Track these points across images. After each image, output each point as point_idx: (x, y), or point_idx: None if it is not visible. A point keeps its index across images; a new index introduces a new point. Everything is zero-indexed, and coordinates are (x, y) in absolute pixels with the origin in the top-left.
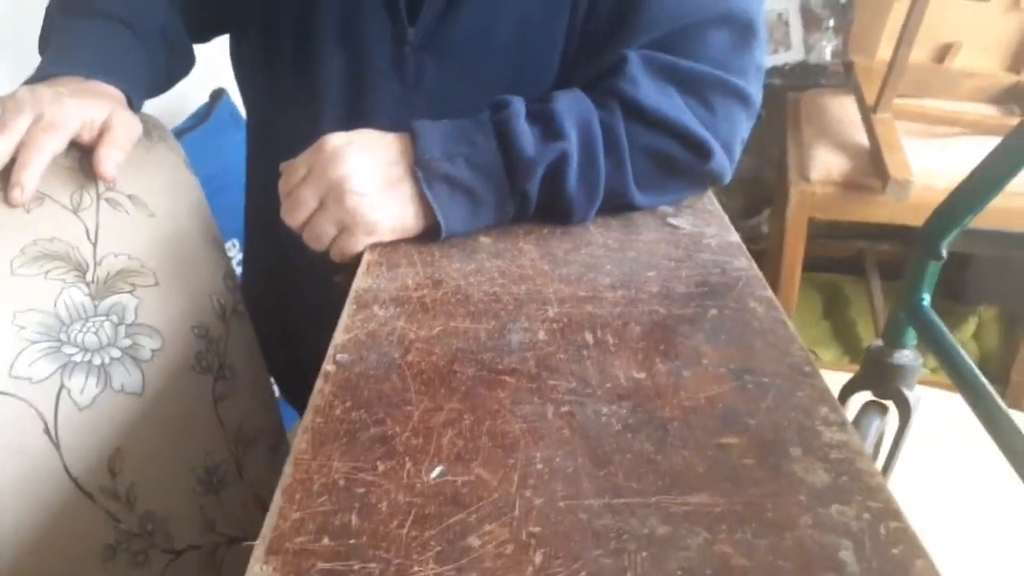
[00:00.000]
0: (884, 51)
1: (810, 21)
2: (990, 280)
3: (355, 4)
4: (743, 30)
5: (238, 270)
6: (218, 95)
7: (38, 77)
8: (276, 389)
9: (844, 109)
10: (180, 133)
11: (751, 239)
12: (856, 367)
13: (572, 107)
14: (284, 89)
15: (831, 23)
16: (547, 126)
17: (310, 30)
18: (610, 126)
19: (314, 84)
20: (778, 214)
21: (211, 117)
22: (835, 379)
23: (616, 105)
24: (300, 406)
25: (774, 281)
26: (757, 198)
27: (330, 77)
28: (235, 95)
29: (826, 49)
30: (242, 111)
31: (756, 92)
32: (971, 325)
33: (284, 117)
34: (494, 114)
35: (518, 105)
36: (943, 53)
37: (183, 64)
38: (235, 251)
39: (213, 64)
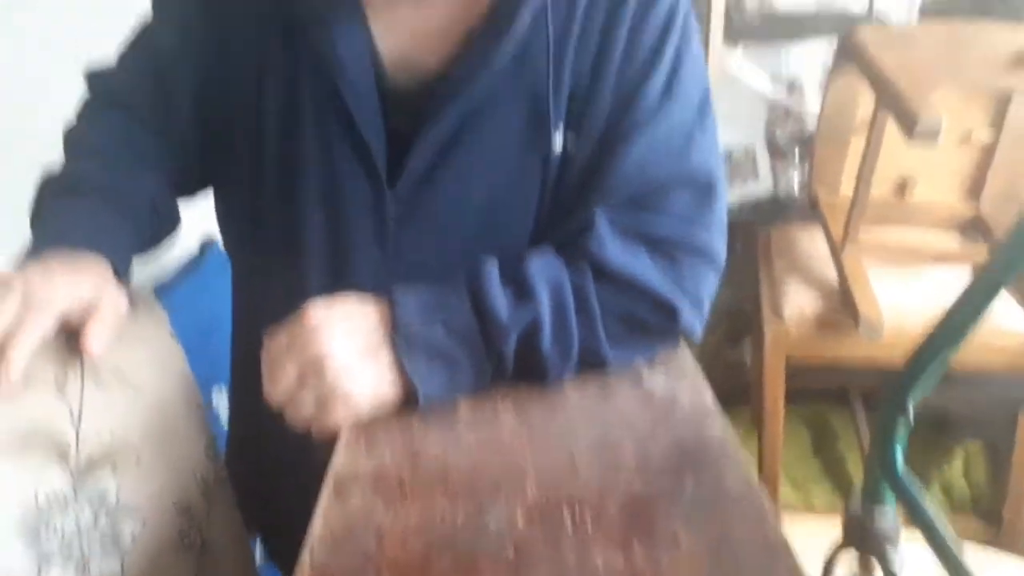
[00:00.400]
0: (846, 186)
1: (776, 153)
2: (973, 412)
3: (336, 169)
4: (705, 188)
5: (224, 415)
6: (207, 246)
7: (28, 257)
8: (260, 549)
9: (813, 243)
10: (170, 286)
11: (734, 368)
12: None
13: (544, 269)
14: (268, 247)
15: (796, 156)
16: (520, 289)
17: (294, 193)
18: (581, 287)
19: (298, 245)
20: (756, 350)
21: (201, 268)
22: (829, 526)
23: (586, 266)
24: (286, 568)
25: (758, 416)
26: (738, 326)
27: (313, 240)
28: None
29: (794, 181)
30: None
31: (720, 249)
32: (959, 460)
33: (269, 272)
34: (469, 279)
35: (492, 269)
36: (903, 187)
37: (169, 224)
38: (223, 396)
39: (197, 210)
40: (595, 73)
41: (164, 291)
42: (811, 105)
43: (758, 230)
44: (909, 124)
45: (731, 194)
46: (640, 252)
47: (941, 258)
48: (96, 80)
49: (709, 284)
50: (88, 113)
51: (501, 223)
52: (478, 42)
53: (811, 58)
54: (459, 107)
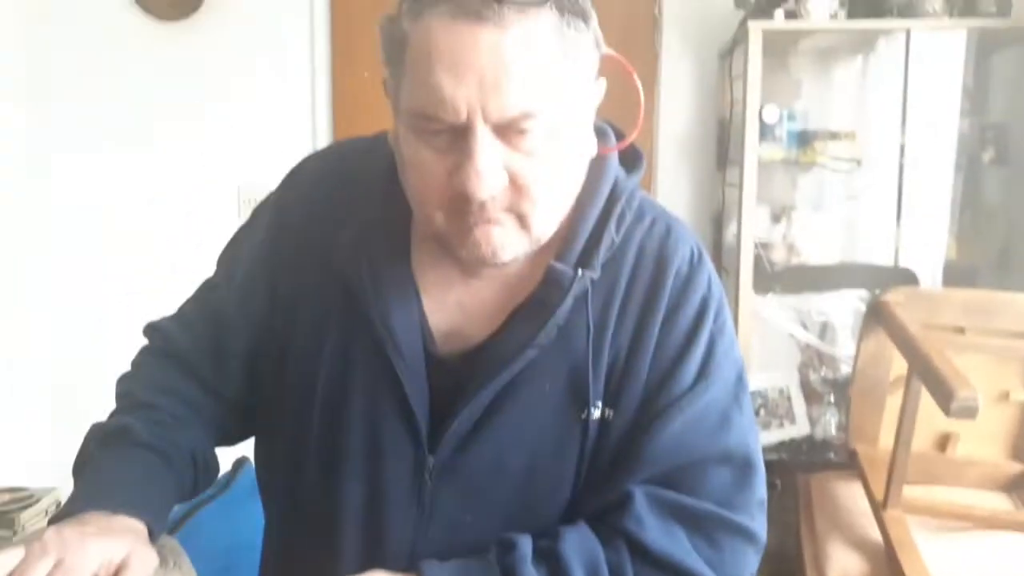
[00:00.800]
0: (885, 438)
1: (811, 396)
2: None
3: (380, 429)
4: (743, 467)
5: None
6: (240, 464)
7: (68, 511)
8: None
9: (854, 498)
10: (201, 503)
11: None
12: None
13: (579, 547)
14: (305, 499)
15: (832, 398)
16: (554, 568)
17: (337, 450)
18: (618, 567)
19: (335, 500)
20: None
21: (232, 486)
22: None
23: (623, 545)
24: None
25: None
26: (783, 570)
27: (351, 494)
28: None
29: (831, 423)
30: None
31: (761, 528)
32: None
33: (303, 524)
34: (501, 556)
35: (525, 546)
36: (944, 442)
37: (209, 478)
38: None
39: None
40: (632, 354)
41: (195, 509)
42: (843, 349)
43: (797, 474)
44: (945, 400)
45: (768, 436)
46: (678, 533)
47: (991, 523)
48: (154, 332)
49: (750, 564)
50: (142, 363)
51: (538, 490)
52: (522, 321)
53: (841, 303)
54: (501, 379)
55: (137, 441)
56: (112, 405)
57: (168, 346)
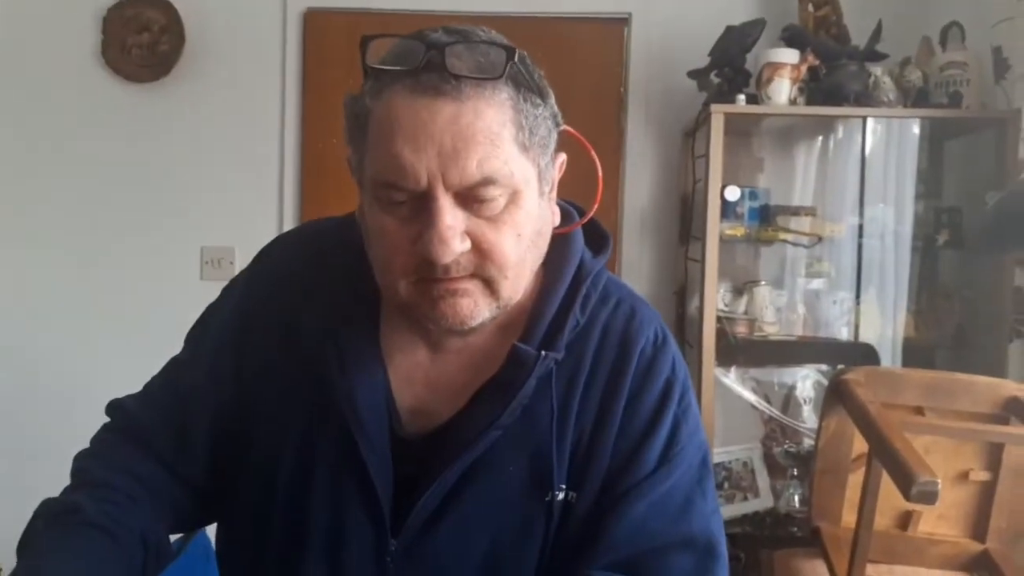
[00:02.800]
0: (848, 516)
1: (774, 469)
2: None
3: (342, 510)
4: (705, 553)
5: None
6: (192, 532)
7: None
8: None
9: (817, 575)
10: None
11: None
12: None
13: None
14: None
15: (795, 471)
16: None
17: (298, 529)
18: None
19: None
20: None
21: (183, 554)
22: None
23: None
24: None
25: None
26: None
27: None
28: (210, 532)
29: (794, 496)
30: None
31: None
32: None
33: None
34: None
35: None
36: (905, 520)
37: (161, 562)
38: None
39: None
40: (595, 436)
41: None
42: (806, 422)
43: (761, 550)
44: (905, 485)
45: (732, 509)
46: None
47: None
48: (116, 410)
49: None
50: (102, 441)
51: (501, 574)
52: (486, 401)
53: (803, 377)
54: (465, 460)
55: (85, 520)
56: (56, 480)
57: (130, 425)
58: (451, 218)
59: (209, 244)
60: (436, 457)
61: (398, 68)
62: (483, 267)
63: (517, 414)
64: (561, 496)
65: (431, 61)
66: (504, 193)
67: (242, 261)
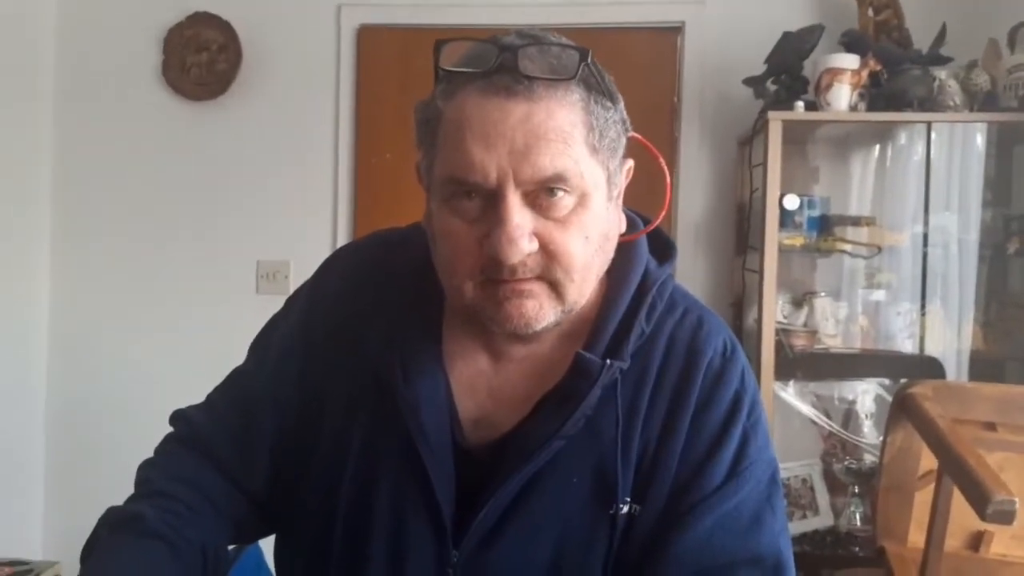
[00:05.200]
0: (915, 535)
1: (835, 486)
2: None
3: (404, 522)
4: (773, 571)
5: None
6: (243, 547)
7: None
8: None
9: None
10: None
11: None
12: None
13: None
14: None
15: (856, 488)
16: None
17: (359, 540)
18: None
19: None
20: None
21: (236, 563)
22: None
23: None
24: None
25: None
26: None
27: None
28: (264, 546)
29: (855, 515)
30: (267, 560)
31: None
32: None
33: None
34: None
35: None
36: (976, 540)
37: (219, 574)
38: None
39: None
40: (660, 448)
41: None
42: (867, 437)
43: (822, 570)
44: (980, 504)
45: (791, 527)
46: None
47: None
48: (179, 420)
49: None
50: (165, 451)
51: None
52: (550, 410)
53: (864, 391)
54: (527, 471)
55: (147, 530)
56: (114, 489)
57: (193, 434)
58: (519, 217)
59: (265, 258)
60: (498, 467)
61: (471, 70)
62: (550, 269)
63: (581, 424)
64: (625, 509)
65: (504, 63)
66: (573, 194)
67: (296, 275)
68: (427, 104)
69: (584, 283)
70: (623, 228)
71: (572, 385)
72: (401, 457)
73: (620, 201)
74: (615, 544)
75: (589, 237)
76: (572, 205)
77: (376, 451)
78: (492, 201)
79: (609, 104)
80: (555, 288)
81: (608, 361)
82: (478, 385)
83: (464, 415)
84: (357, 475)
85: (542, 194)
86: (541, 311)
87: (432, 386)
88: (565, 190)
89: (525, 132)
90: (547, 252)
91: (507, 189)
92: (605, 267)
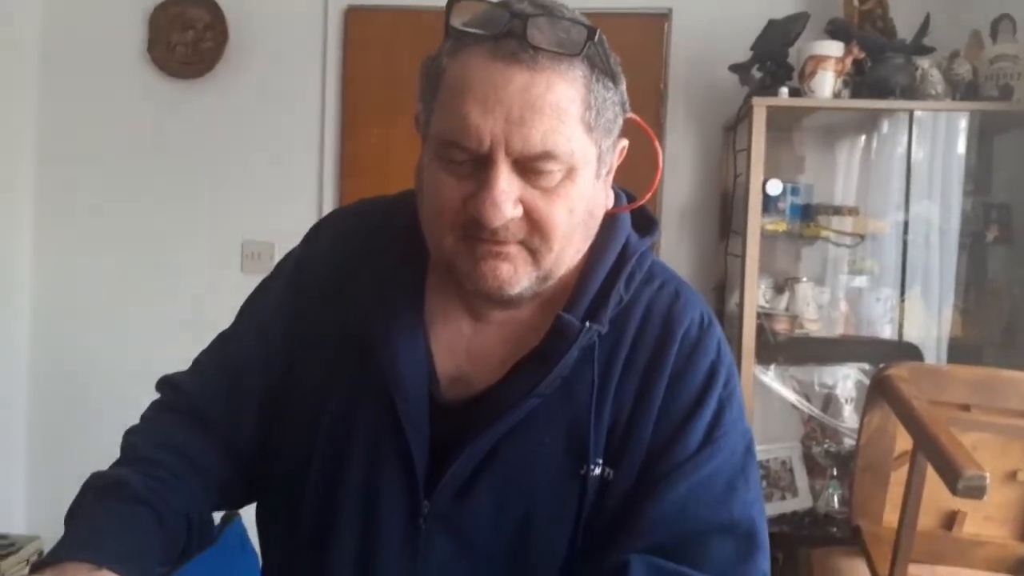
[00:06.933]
0: (890, 515)
1: (814, 469)
2: None
3: (378, 472)
4: (746, 539)
5: None
6: (229, 518)
7: (53, 558)
8: None
9: (857, 575)
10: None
11: None
12: None
13: None
14: (302, 539)
15: (835, 471)
16: None
17: (334, 488)
18: None
19: (330, 539)
20: None
21: (220, 539)
22: None
23: None
24: None
25: None
26: None
27: (346, 536)
28: (246, 518)
29: (834, 497)
30: (251, 537)
31: None
32: None
33: (299, 566)
34: None
35: None
36: (950, 520)
37: (203, 542)
38: None
39: None
40: (635, 415)
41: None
42: (846, 422)
43: (799, 548)
44: (952, 479)
45: (770, 508)
46: None
47: None
48: (166, 386)
49: None
50: (150, 418)
51: (534, 545)
52: (527, 370)
53: (844, 376)
54: (501, 427)
55: (132, 496)
56: (91, 460)
57: (180, 398)
58: (506, 184)
59: (250, 238)
60: (473, 423)
61: (479, 32)
62: (530, 236)
63: (557, 385)
64: (597, 471)
65: (512, 29)
66: (562, 168)
67: (281, 256)
68: (433, 59)
69: (562, 254)
70: (610, 205)
71: (550, 346)
72: (377, 410)
73: (610, 179)
74: (586, 506)
75: (573, 210)
76: (560, 178)
77: (354, 405)
78: (482, 164)
79: (611, 84)
80: (533, 255)
81: (587, 323)
82: (457, 345)
83: (442, 372)
84: (333, 428)
85: (531, 165)
86: (515, 275)
87: (411, 341)
88: (554, 165)
89: (522, 102)
90: (530, 219)
91: (498, 156)
92: (587, 241)
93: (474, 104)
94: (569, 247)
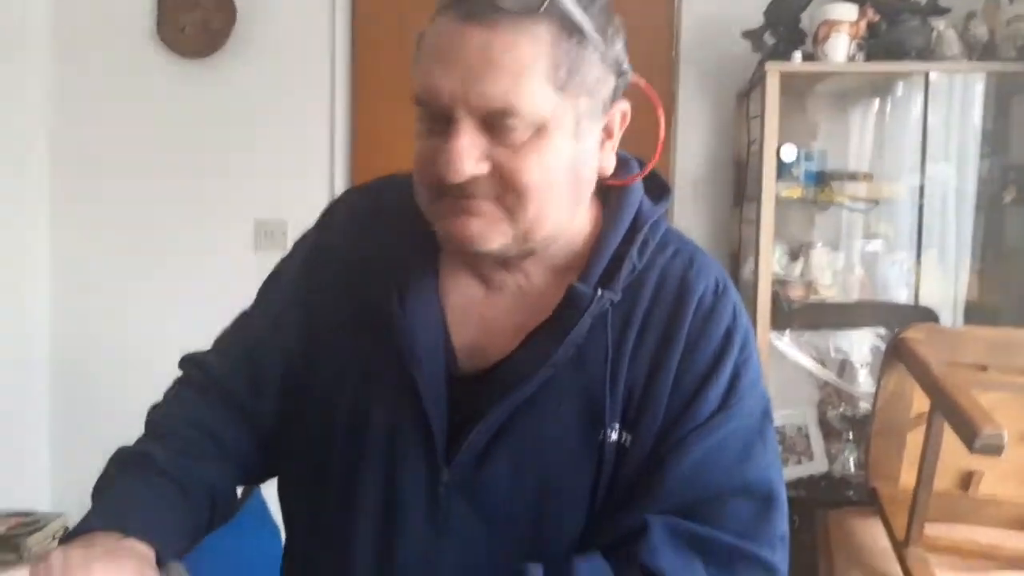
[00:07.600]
0: (906, 476)
1: (830, 433)
2: None
3: (398, 443)
4: (764, 500)
5: None
6: (249, 491)
7: (81, 529)
8: None
9: (873, 536)
10: None
11: None
12: None
13: None
14: (324, 510)
15: (850, 435)
16: None
17: (355, 460)
18: None
19: (352, 511)
20: None
21: (241, 512)
22: None
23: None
24: None
25: None
26: None
27: (367, 506)
28: (266, 493)
29: (849, 461)
30: (271, 510)
31: (782, 563)
32: None
33: (320, 536)
34: None
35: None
36: (966, 480)
37: (225, 516)
38: None
39: None
40: (650, 381)
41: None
42: (862, 386)
43: (815, 510)
44: (969, 437)
45: (786, 473)
46: (696, 565)
47: (1015, 562)
48: (189, 363)
49: None
50: (174, 394)
51: (552, 510)
52: (541, 339)
53: (860, 341)
54: (516, 397)
55: (157, 469)
56: (112, 437)
57: (203, 378)
58: (468, 140)
59: (262, 217)
60: (489, 393)
61: None
62: (504, 194)
63: (571, 353)
64: (614, 437)
65: None
66: (528, 126)
67: (294, 234)
68: (421, 31)
69: (542, 211)
70: (609, 171)
71: (563, 315)
72: (396, 382)
73: (612, 143)
74: (604, 472)
75: (548, 168)
76: (527, 136)
77: (372, 379)
78: (446, 122)
79: (585, 41)
80: (510, 213)
81: (599, 291)
82: (470, 314)
83: (458, 342)
84: (352, 402)
85: (495, 121)
86: (487, 231)
87: (427, 312)
88: (517, 123)
89: (481, 59)
90: (500, 176)
91: (458, 113)
92: (579, 204)
93: (436, 64)
94: (549, 206)
